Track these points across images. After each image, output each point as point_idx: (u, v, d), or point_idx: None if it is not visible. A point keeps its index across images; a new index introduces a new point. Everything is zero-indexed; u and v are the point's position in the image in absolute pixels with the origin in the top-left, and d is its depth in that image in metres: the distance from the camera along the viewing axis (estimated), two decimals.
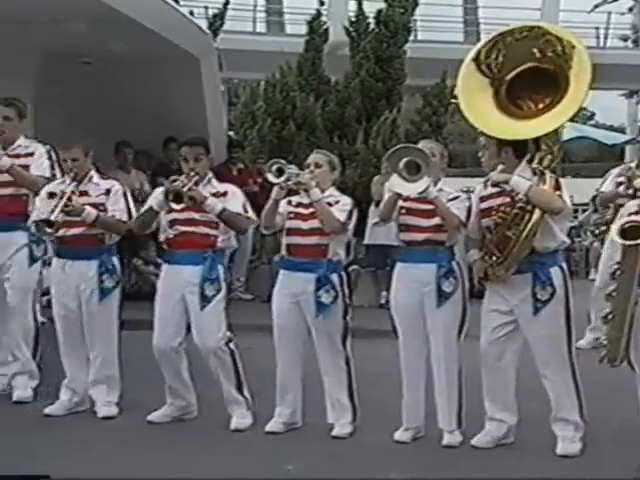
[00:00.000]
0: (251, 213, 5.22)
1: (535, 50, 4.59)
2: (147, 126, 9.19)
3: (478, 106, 4.73)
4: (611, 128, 27.35)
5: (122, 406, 5.37)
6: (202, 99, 9.65)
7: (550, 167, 4.70)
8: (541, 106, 4.65)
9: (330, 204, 5.04)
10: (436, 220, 4.91)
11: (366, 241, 9.70)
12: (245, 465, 4.59)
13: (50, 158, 5.58)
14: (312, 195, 4.98)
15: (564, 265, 4.78)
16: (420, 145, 4.99)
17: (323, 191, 5.06)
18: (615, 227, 4.28)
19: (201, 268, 5.10)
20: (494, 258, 4.66)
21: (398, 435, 4.99)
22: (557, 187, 4.64)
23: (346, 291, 5.11)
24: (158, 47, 8.36)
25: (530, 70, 4.65)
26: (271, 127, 10.62)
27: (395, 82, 11.09)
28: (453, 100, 4.87)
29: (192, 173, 5.14)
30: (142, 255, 9.59)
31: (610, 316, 4.27)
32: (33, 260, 5.56)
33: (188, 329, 5.20)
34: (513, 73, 4.66)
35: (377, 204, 9.57)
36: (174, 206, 5.03)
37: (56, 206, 5.15)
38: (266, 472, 4.49)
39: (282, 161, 5.06)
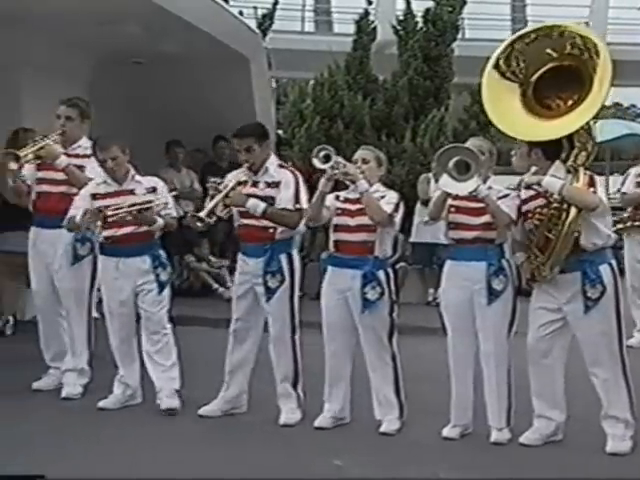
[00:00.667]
0: (304, 203, 5.16)
1: (550, 50, 4.61)
2: (197, 125, 9.28)
3: (504, 109, 4.74)
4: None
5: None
6: (251, 98, 9.71)
7: (585, 164, 4.67)
8: (570, 103, 4.65)
9: (377, 199, 5.04)
10: (486, 218, 4.90)
11: (412, 239, 9.73)
12: (294, 460, 4.62)
13: None
14: (359, 186, 4.98)
15: (613, 263, 4.75)
16: (469, 143, 4.98)
17: (370, 185, 5.07)
18: None
19: (262, 260, 5.13)
20: (538, 259, 4.65)
21: (446, 432, 4.98)
22: (591, 184, 4.63)
23: (392, 288, 5.11)
24: (209, 47, 8.43)
25: (553, 70, 4.66)
26: (319, 126, 10.66)
27: (443, 80, 11.08)
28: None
29: (245, 165, 5.10)
30: (195, 252, 9.68)
31: None
32: (76, 259, 5.62)
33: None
34: (537, 75, 4.68)
35: (424, 202, 9.58)
36: (205, 221, 4.96)
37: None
38: (315, 467, 4.50)
39: (329, 147, 5.05)
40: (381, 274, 5.05)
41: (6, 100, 7.43)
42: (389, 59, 11.41)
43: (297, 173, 5.27)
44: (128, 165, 5.44)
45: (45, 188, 5.66)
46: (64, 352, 5.73)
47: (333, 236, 5.12)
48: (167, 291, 5.41)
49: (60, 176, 5.62)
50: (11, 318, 7.34)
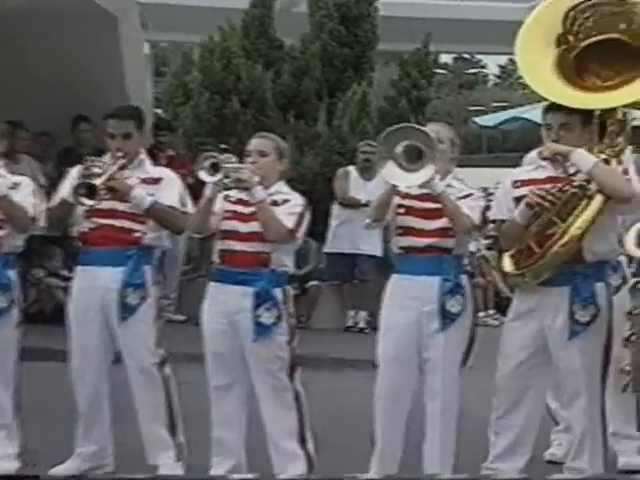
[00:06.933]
0: (190, 207, 5.25)
1: (620, 20, 4.77)
2: (50, 102, 9.14)
3: (540, 71, 4.87)
4: None
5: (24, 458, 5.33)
6: (120, 68, 9.63)
7: (617, 157, 4.77)
8: (609, 83, 4.80)
9: (276, 203, 5.07)
10: (442, 222, 4.96)
11: (328, 248, 9.78)
12: None
13: None
14: (254, 194, 5.01)
15: (611, 282, 4.83)
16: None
17: (268, 187, 5.09)
18: (631, 237, 4.32)
19: (122, 270, 5.14)
20: (530, 259, 4.65)
21: None
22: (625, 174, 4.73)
23: (292, 310, 5.14)
24: (63, 1, 8.33)
25: (610, 41, 4.81)
26: (209, 103, 10.64)
27: (365, 47, 11.17)
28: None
29: (119, 154, 5.17)
30: (45, 265, 9.54)
31: (633, 337, 4.35)
32: None
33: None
34: (590, 40, 4.82)
35: (342, 202, 9.67)
36: (86, 202, 5.03)
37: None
38: None
39: (217, 155, 5.07)
40: (278, 292, 5.07)
41: None
42: (297, 19, 11.47)
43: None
44: None
45: None
46: None
47: (219, 244, 5.13)
48: (10, 319, 5.28)
49: None
50: None
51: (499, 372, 4.86)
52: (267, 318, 5.01)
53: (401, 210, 5.01)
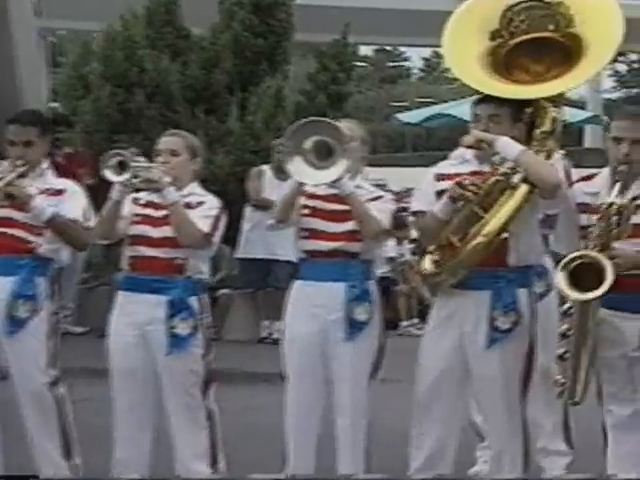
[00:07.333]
0: (93, 222, 5.20)
1: (549, 21, 4.95)
2: None
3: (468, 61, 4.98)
4: (568, 102, 28.16)
5: None
6: (11, 57, 9.51)
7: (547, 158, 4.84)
8: (539, 78, 4.94)
9: (190, 205, 5.06)
10: (350, 225, 5.00)
11: (240, 254, 9.80)
12: None
13: None
14: (166, 196, 5.00)
15: (535, 290, 4.87)
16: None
17: (181, 188, 5.08)
18: (561, 277, 4.34)
19: (12, 280, 5.10)
20: (447, 259, 4.68)
21: None
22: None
23: (209, 320, 5.14)
24: None
25: (541, 40, 4.97)
26: (111, 97, 10.59)
27: (280, 37, 11.20)
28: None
29: (19, 162, 5.12)
30: None
31: (567, 355, 4.44)
32: None
33: None
34: (522, 38, 4.96)
35: (256, 204, 9.68)
36: None
37: None
38: None
39: (125, 152, 5.04)
40: (194, 301, 5.06)
41: None
42: (206, 7, 11.47)
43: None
44: None
45: None
46: None
47: (128, 250, 5.12)
48: None
49: None
50: None
51: (417, 385, 4.87)
52: (182, 329, 5.00)
53: (306, 211, 5.04)
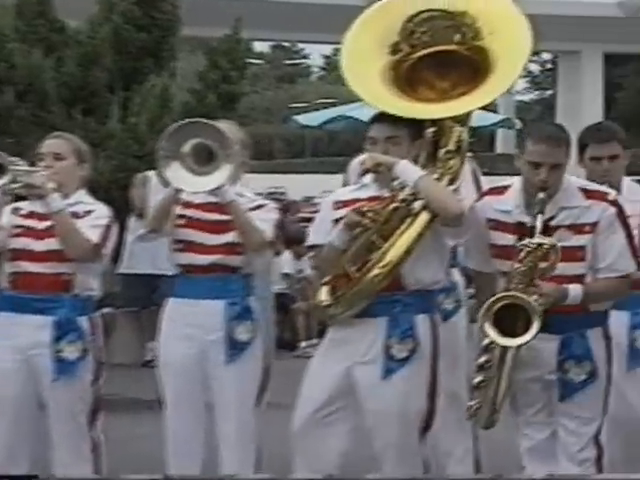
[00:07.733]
0: None
1: (455, 32, 4.95)
2: None
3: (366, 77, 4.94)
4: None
5: None
6: None
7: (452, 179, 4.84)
8: (446, 95, 4.93)
9: (77, 215, 5.02)
10: (229, 236, 5.02)
11: (123, 269, 9.76)
12: None
13: None
14: (50, 204, 4.94)
15: (436, 317, 4.83)
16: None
17: (67, 196, 5.04)
18: (488, 325, 4.37)
19: None
20: (343, 290, 4.66)
21: None
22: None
23: (100, 343, 5.11)
24: None
25: (445, 54, 4.96)
26: None
27: (165, 32, 11.19)
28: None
29: None
30: None
31: (483, 384, 4.46)
32: None
33: None
34: (425, 51, 4.96)
35: (140, 214, 9.58)
36: None
37: None
38: None
39: (2, 154, 4.96)
40: (83, 321, 5.03)
41: None
42: None
43: None
44: None
45: None
46: None
47: (8, 266, 5.05)
48: None
49: None
50: None
51: (295, 416, 4.75)
52: (70, 352, 4.96)
53: (181, 221, 5.06)
